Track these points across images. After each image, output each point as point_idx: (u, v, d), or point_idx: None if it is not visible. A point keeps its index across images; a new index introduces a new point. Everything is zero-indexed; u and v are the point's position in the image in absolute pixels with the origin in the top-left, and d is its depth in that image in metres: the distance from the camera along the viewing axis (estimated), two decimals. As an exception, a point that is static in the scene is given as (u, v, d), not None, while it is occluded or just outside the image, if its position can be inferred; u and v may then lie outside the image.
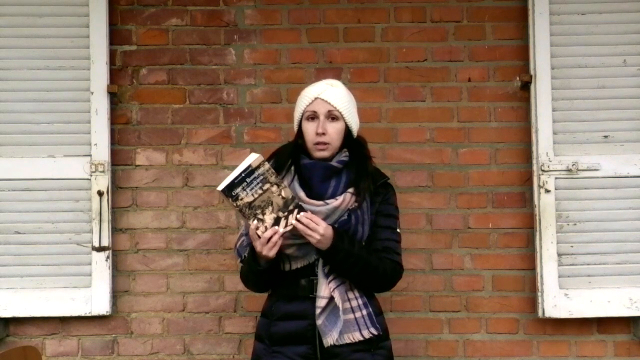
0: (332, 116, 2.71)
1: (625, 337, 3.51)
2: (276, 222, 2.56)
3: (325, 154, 2.71)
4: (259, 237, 2.56)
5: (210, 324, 3.54)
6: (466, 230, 3.55)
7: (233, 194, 2.50)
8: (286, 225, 2.57)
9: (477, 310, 3.53)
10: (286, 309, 2.69)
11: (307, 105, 2.72)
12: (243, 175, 2.50)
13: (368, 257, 2.66)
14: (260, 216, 2.54)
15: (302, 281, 2.67)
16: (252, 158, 2.52)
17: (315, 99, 2.71)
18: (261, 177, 2.52)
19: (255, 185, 2.51)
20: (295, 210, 2.57)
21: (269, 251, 2.56)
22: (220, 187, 2.51)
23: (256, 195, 2.52)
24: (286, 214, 2.56)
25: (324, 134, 2.69)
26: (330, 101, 2.70)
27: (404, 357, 3.40)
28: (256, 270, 2.65)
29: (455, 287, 3.54)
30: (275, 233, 2.56)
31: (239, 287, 3.52)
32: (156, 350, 3.53)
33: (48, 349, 3.51)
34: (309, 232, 2.56)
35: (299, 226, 2.56)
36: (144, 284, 3.55)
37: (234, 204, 2.53)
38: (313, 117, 2.72)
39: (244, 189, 2.51)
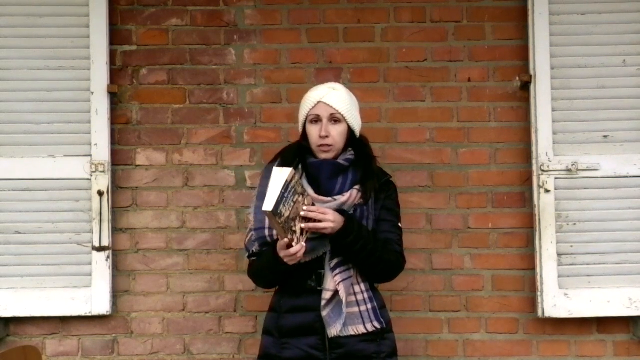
0: (335, 119, 2.81)
1: (625, 337, 3.51)
2: (302, 232, 2.60)
3: (329, 155, 2.81)
4: (287, 249, 2.60)
5: (210, 323, 3.54)
6: (466, 230, 3.55)
7: (278, 211, 2.48)
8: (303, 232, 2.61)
9: (477, 310, 3.53)
10: (294, 302, 2.78)
11: (311, 109, 2.83)
12: (284, 192, 2.49)
13: (375, 243, 2.75)
14: (293, 228, 2.57)
15: (310, 275, 2.75)
16: (286, 173, 2.52)
17: (318, 102, 2.81)
18: (292, 190, 2.53)
19: (290, 199, 2.52)
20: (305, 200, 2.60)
21: (291, 261, 2.63)
22: (270, 207, 2.46)
23: (290, 209, 2.53)
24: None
25: (327, 136, 2.79)
26: (332, 104, 2.80)
27: (404, 357, 3.40)
28: (278, 270, 2.70)
29: (455, 287, 3.54)
30: (302, 249, 2.61)
31: (239, 287, 3.54)
32: (156, 350, 3.54)
33: (48, 349, 3.51)
34: (321, 225, 2.63)
35: (310, 225, 2.61)
36: (144, 283, 3.55)
37: (279, 221, 2.51)
38: (316, 120, 2.82)
39: (284, 205, 2.50)
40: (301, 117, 2.88)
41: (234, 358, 3.53)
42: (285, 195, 2.50)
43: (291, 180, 2.52)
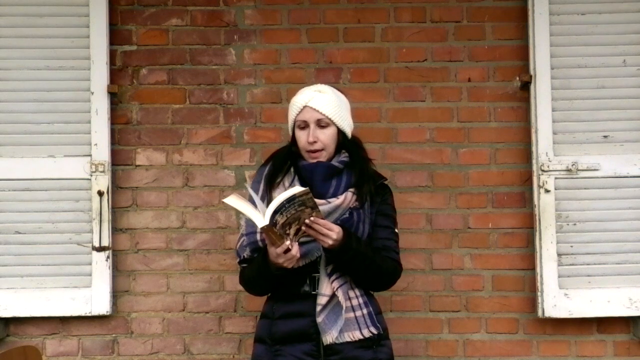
0: (322, 124, 2.74)
1: (625, 337, 3.51)
2: (296, 232, 2.56)
3: (320, 160, 2.74)
4: (285, 253, 2.54)
5: (210, 323, 3.54)
6: (466, 230, 3.55)
7: (273, 221, 2.46)
8: (298, 232, 2.58)
9: (477, 310, 3.53)
10: (288, 308, 2.71)
11: (297, 114, 2.76)
12: (285, 203, 2.46)
13: (373, 256, 2.70)
14: (287, 231, 2.53)
15: (304, 279, 2.68)
16: (298, 190, 2.48)
17: (304, 107, 2.74)
18: (299, 202, 2.49)
19: (291, 208, 2.48)
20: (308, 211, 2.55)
21: (289, 264, 2.57)
22: (265, 223, 2.45)
23: (289, 215, 2.49)
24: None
25: (315, 142, 2.72)
26: (318, 109, 2.73)
27: (404, 357, 3.40)
28: (271, 276, 2.64)
29: (455, 287, 3.54)
30: (297, 249, 2.56)
31: (239, 287, 3.50)
32: (156, 350, 3.54)
33: (48, 349, 3.51)
34: (322, 237, 2.58)
35: (310, 231, 2.56)
36: (144, 284, 3.55)
37: (275, 230, 2.48)
38: (304, 126, 2.75)
39: (281, 214, 2.47)
40: (289, 122, 2.82)
41: (234, 358, 3.53)
42: (287, 205, 2.46)
43: (301, 196, 2.48)
